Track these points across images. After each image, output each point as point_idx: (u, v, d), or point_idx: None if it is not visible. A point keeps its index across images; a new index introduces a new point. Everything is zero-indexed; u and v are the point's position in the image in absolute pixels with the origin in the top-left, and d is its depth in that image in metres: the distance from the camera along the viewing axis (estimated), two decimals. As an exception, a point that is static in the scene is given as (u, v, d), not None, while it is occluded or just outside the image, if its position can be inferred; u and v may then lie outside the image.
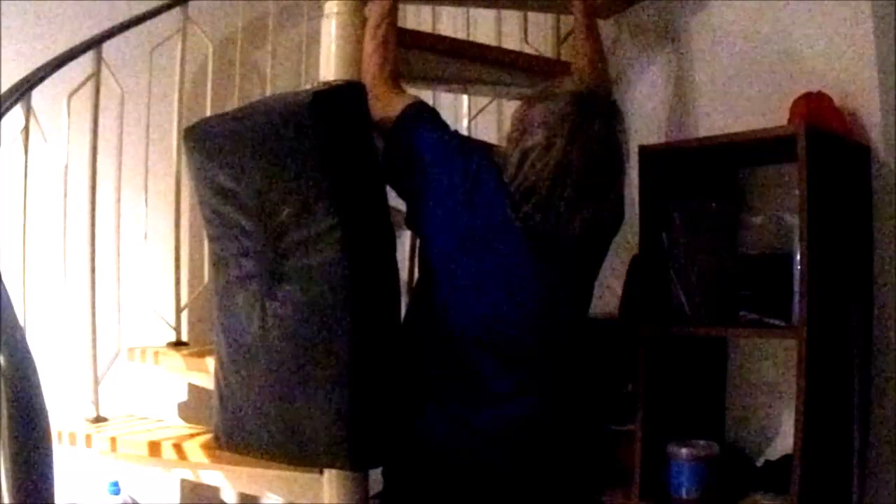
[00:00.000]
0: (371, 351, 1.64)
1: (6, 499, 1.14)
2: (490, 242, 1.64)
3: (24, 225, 2.22)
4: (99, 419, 2.39)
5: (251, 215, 1.71)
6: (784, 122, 2.01)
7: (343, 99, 1.66)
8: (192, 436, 2.26)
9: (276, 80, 2.81)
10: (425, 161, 1.69)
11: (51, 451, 1.22)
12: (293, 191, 1.62)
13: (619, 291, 2.27)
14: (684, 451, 1.97)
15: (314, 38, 2.08)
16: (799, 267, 1.80)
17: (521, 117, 1.62)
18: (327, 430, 1.63)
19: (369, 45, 1.82)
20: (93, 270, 2.38)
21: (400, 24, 2.39)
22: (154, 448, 2.20)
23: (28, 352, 1.26)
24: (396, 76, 1.84)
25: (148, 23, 2.46)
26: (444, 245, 1.68)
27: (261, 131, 1.65)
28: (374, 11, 1.86)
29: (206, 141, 1.79)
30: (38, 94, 2.19)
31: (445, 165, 1.68)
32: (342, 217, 1.60)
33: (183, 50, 2.59)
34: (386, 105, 1.75)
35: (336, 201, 1.60)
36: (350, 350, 1.61)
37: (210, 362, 2.07)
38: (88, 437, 2.24)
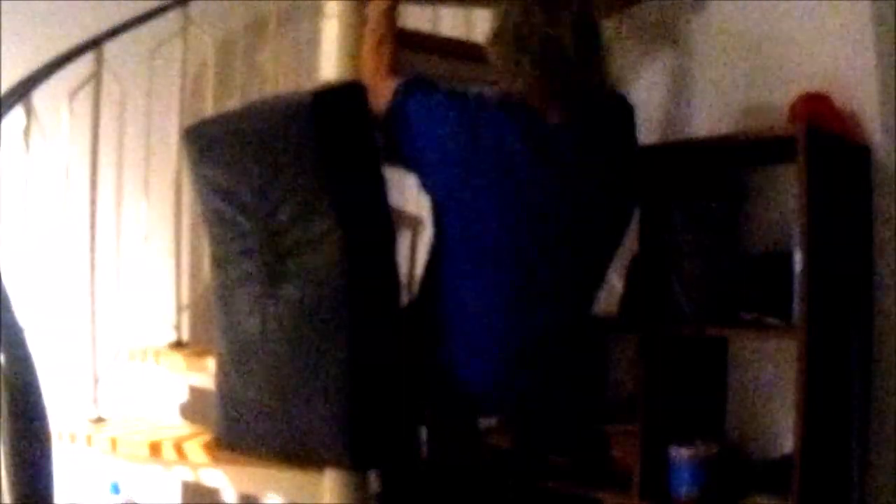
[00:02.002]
0: (371, 350, 1.64)
1: (6, 498, 1.14)
2: (502, 170, 1.64)
3: (25, 225, 2.23)
4: (99, 419, 2.39)
5: (251, 215, 1.71)
6: (784, 122, 2.01)
7: (343, 99, 1.66)
8: (192, 436, 2.26)
9: (277, 80, 2.81)
10: (423, 125, 1.70)
11: (51, 451, 1.22)
12: (293, 191, 1.62)
13: (620, 291, 2.27)
14: (684, 451, 1.97)
15: (315, 39, 2.08)
16: (799, 267, 1.80)
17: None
18: (327, 430, 1.63)
19: (368, 45, 1.83)
20: (93, 270, 2.38)
21: (400, 24, 2.39)
22: (154, 448, 2.20)
23: (28, 352, 1.26)
24: (394, 72, 1.85)
25: (149, 23, 2.46)
26: (455, 183, 1.68)
27: (261, 131, 1.66)
28: (372, 12, 1.87)
29: (207, 141, 1.79)
30: (38, 94, 2.19)
31: (441, 120, 1.69)
32: (342, 217, 1.60)
33: (184, 50, 2.60)
34: (382, 96, 1.75)
35: (336, 201, 1.60)
36: (349, 350, 1.61)
37: (211, 362, 2.07)
38: (89, 438, 2.24)
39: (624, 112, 1.84)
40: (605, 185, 1.72)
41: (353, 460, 1.68)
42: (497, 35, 1.64)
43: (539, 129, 1.65)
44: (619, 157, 1.76)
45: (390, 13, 1.87)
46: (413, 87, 1.74)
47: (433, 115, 1.70)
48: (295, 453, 1.71)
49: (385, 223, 1.67)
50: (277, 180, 1.64)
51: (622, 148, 1.78)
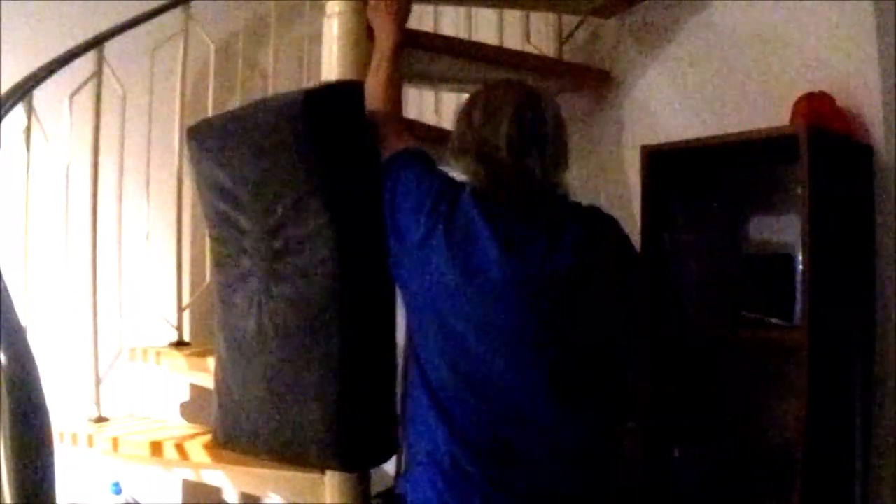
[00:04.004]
0: (362, 350, 1.63)
1: (7, 498, 1.14)
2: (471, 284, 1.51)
3: (26, 225, 2.23)
4: (101, 419, 2.39)
5: (249, 214, 1.71)
6: (786, 122, 2.01)
7: (336, 97, 1.66)
8: (193, 436, 2.26)
9: (277, 79, 2.81)
10: (397, 199, 1.62)
11: (52, 451, 1.22)
12: (287, 189, 1.62)
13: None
14: (686, 451, 1.97)
15: (316, 38, 2.08)
16: (801, 267, 1.80)
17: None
18: (319, 430, 1.63)
19: (372, 82, 1.77)
20: (94, 270, 2.38)
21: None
22: (156, 448, 2.20)
23: (29, 352, 1.26)
24: (400, 118, 1.81)
25: (150, 22, 2.46)
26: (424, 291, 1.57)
27: (257, 130, 1.66)
28: (376, 49, 1.82)
29: (208, 140, 1.79)
30: (39, 94, 2.19)
31: (414, 205, 1.60)
32: (334, 215, 1.59)
33: (185, 50, 2.60)
34: (387, 148, 1.69)
35: (328, 199, 1.60)
36: (340, 349, 1.60)
37: (211, 362, 2.07)
38: (90, 437, 2.25)
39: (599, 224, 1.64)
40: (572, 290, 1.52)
41: (344, 460, 1.67)
42: (450, 144, 1.60)
43: (505, 220, 1.54)
44: (591, 266, 1.54)
45: (394, 55, 1.81)
46: (415, 161, 1.67)
47: (419, 187, 1.62)
48: (290, 453, 1.71)
49: (379, 222, 1.66)
50: (272, 179, 1.64)
51: (597, 258, 1.57)
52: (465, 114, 1.59)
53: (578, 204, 1.64)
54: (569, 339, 1.52)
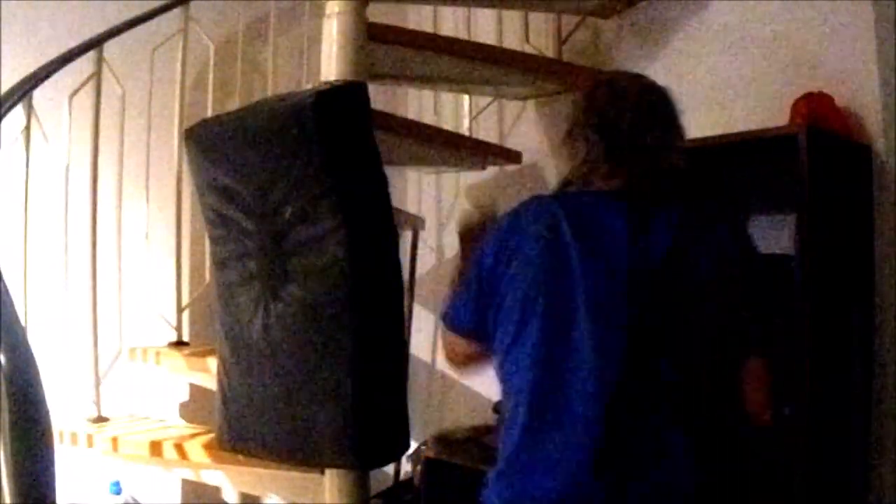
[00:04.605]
0: (375, 349, 1.64)
1: (7, 499, 1.14)
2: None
3: (26, 225, 2.23)
4: (100, 419, 2.39)
5: (253, 216, 1.71)
6: (785, 122, 2.01)
7: (346, 98, 1.66)
8: (193, 436, 2.26)
9: (277, 80, 2.81)
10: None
11: (52, 450, 1.22)
12: (296, 191, 1.62)
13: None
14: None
15: (315, 38, 2.08)
16: (800, 267, 1.80)
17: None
18: (332, 430, 1.63)
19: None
20: (94, 270, 2.38)
21: (400, 23, 2.40)
22: (155, 448, 2.20)
23: (29, 351, 1.26)
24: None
25: (149, 23, 2.46)
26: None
27: (263, 131, 1.66)
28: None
29: (208, 141, 1.79)
30: (39, 94, 2.19)
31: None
32: (346, 216, 1.60)
33: (184, 50, 2.60)
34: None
35: (340, 200, 1.60)
36: (354, 349, 1.61)
37: (211, 362, 2.07)
38: (90, 437, 2.25)
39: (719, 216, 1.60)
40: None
41: (358, 460, 1.68)
42: (568, 127, 1.58)
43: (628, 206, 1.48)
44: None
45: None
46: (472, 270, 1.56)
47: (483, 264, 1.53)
48: (298, 453, 1.71)
49: (388, 222, 1.68)
50: (280, 180, 1.64)
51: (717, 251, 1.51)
52: (588, 95, 1.58)
53: (696, 188, 1.59)
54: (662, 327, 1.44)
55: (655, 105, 1.56)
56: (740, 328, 1.54)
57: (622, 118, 1.52)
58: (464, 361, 1.63)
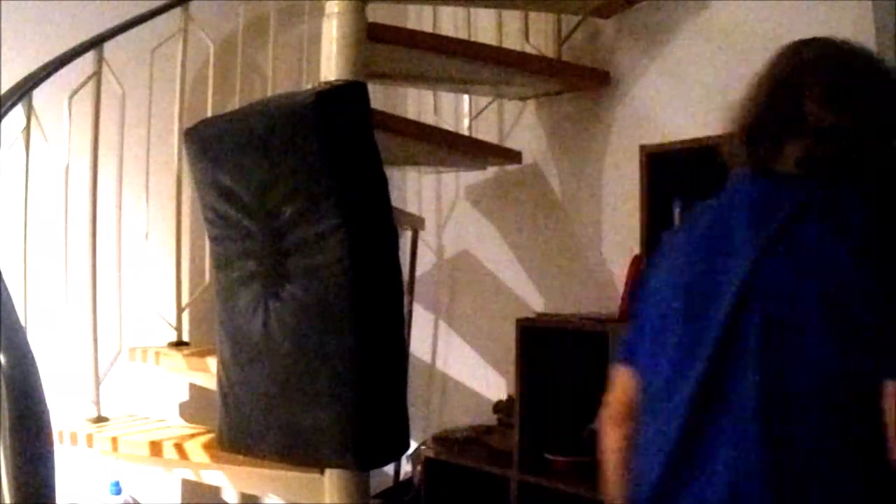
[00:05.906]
0: (376, 348, 1.64)
1: (7, 498, 1.14)
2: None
3: (26, 225, 2.23)
4: (100, 419, 2.39)
5: (253, 215, 1.71)
6: (785, 121, 2.01)
7: (346, 98, 1.66)
8: (193, 436, 2.26)
9: (276, 80, 2.81)
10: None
11: (52, 450, 1.22)
12: (296, 190, 1.63)
13: (621, 291, 2.27)
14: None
15: (315, 39, 2.08)
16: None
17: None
18: (333, 430, 1.63)
19: None
20: (94, 270, 2.38)
21: (400, 23, 2.40)
22: (155, 448, 2.20)
23: (29, 351, 1.26)
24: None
25: (149, 23, 2.46)
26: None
27: (263, 131, 1.66)
28: None
29: (208, 141, 1.79)
30: (39, 94, 2.19)
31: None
32: (346, 216, 1.60)
33: (184, 50, 2.60)
34: None
35: (340, 200, 1.60)
36: (355, 349, 1.61)
37: (211, 362, 2.08)
38: (90, 437, 2.25)
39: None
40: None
41: (358, 460, 1.68)
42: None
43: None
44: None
45: None
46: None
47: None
48: (300, 454, 1.72)
49: (388, 221, 1.68)
50: (280, 180, 1.64)
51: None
52: (771, 64, 1.33)
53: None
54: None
55: (851, 75, 1.26)
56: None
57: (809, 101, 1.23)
58: None
